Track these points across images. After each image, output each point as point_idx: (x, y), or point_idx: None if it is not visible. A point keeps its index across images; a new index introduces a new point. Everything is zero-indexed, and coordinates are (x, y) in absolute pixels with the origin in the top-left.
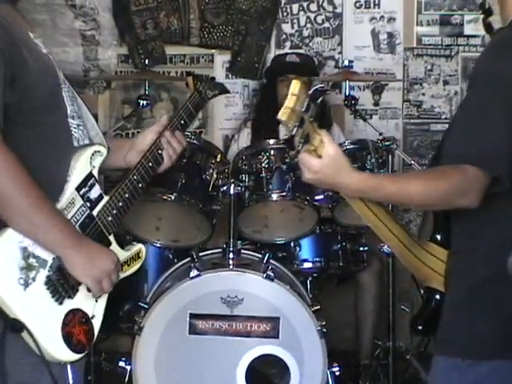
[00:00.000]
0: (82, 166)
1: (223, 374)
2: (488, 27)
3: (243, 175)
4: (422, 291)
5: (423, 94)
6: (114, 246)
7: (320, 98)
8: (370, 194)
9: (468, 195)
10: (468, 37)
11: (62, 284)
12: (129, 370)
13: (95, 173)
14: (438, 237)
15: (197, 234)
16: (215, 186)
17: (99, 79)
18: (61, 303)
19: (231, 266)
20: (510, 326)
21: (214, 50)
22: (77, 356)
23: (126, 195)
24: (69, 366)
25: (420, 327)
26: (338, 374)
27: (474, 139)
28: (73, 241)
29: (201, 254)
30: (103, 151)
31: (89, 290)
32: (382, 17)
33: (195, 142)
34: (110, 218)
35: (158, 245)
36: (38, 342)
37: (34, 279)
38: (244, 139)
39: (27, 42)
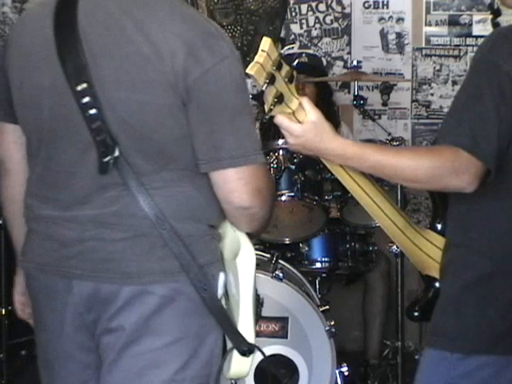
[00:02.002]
0: None
1: None
2: (496, 27)
3: None
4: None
5: (432, 95)
6: None
7: (296, 61)
8: (354, 161)
9: (460, 175)
10: (477, 37)
11: None
12: None
13: None
14: (439, 226)
15: None
16: None
17: None
18: None
19: None
20: (502, 322)
21: None
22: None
23: None
24: None
25: (416, 313)
26: (346, 374)
27: (468, 124)
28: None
29: None
30: None
31: None
32: (390, 17)
33: None
34: None
35: None
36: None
37: None
38: None
39: None
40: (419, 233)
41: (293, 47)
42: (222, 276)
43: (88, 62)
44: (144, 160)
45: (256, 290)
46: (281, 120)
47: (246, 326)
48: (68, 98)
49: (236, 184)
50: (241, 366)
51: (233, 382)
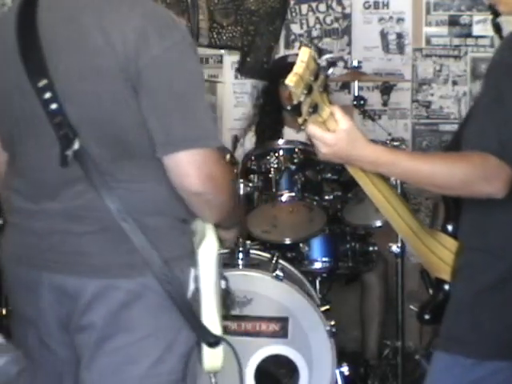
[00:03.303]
0: None
1: (232, 374)
2: (497, 28)
3: (252, 175)
4: (430, 291)
5: (432, 95)
6: None
7: (330, 69)
8: (386, 168)
9: (491, 182)
10: (477, 37)
11: None
12: None
13: None
14: (450, 227)
15: None
16: None
17: None
18: None
19: (240, 266)
20: None
21: (223, 51)
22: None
23: None
24: None
25: (427, 316)
26: (346, 373)
27: (494, 129)
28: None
29: None
30: None
31: None
32: (390, 17)
33: None
34: None
35: None
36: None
37: None
38: (248, 142)
39: None
40: (431, 235)
41: (331, 57)
42: (192, 270)
43: (47, 58)
44: (104, 151)
45: (225, 282)
46: (313, 130)
47: (209, 317)
48: (32, 95)
49: (187, 168)
50: (212, 358)
51: (211, 375)
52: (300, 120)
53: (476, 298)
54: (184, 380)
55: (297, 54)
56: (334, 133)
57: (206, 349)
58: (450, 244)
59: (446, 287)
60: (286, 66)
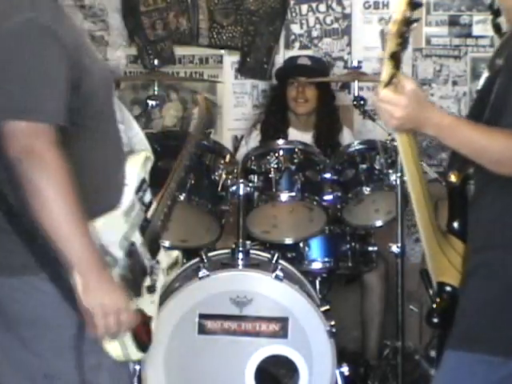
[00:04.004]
0: (138, 171)
1: (232, 374)
2: (497, 28)
3: (252, 175)
4: (430, 292)
5: (432, 95)
6: (161, 251)
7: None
8: (447, 131)
9: None
10: (477, 37)
11: (129, 283)
12: (138, 370)
13: (147, 178)
14: (455, 225)
15: (206, 234)
16: (224, 186)
17: None
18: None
19: (240, 267)
20: None
21: (222, 51)
22: (141, 355)
23: (169, 202)
24: (131, 366)
25: (435, 320)
26: (347, 374)
27: None
28: (98, 265)
29: (210, 255)
30: (152, 157)
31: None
32: (390, 17)
33: (204, 142)
34: (159, 223)
35: (166, 245)
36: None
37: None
38: (253, 141)
39: (86, 46)
40: (445, 237)
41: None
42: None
43: None
44: None
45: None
46: (387, 94)
47: None
48: None
49: (9, 139)
50: (110, 347)
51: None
52: (386, 76)
53: (501, 295)
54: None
55: (305, 56)
56: (403, 94)
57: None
58: (457, 246)
59: (448, 289)
60: (295, 66)
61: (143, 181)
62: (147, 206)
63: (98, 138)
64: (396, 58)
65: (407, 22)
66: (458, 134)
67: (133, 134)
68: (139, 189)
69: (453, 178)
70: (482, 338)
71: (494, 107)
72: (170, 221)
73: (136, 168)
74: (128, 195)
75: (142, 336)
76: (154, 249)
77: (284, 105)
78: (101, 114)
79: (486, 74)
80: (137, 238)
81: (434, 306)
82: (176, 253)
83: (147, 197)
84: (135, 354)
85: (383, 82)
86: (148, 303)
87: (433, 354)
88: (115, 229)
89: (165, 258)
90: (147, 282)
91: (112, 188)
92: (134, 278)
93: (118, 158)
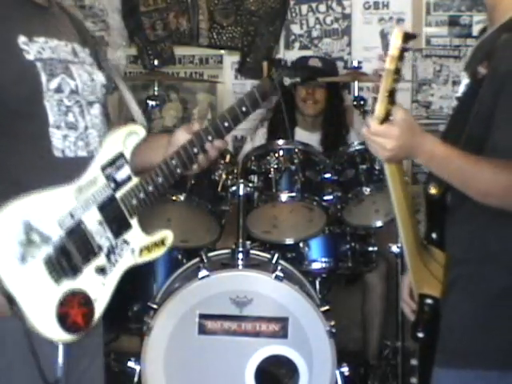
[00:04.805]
0: (111, 145)
1: (232, 374)
2: None
3: (252, 176)
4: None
5: (432, 95)
6: (135, 230)
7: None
8: (439, 161)
9: None
10: (477, 38)
11: (61, 263)
12: (138, 370)
13: (127, 153)
14: (434, 235)
15: (206, 234)
16: (224, 186)
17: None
18: (58, 283)
19: (240, 267)
20: None
21: (222, 51)
22: (69, 337)
23: (159, 180)
24: (60, 347)
25: (421, 334)
26: (347, 374)
27: None
28: None
29: (210, 255)
30: (140, 132)
31: (98, 271)
32: (390, 18)
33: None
34: (134, 202)
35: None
36: (26, 316)
37: (33, 256)
38: (259, 139)
39: (8, 46)
40: (426, 250)
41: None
42: None
43: None
44: None
45: None
46: (377, 127)
47: None
48: None
49: None
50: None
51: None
52: (383, 112)
53: (485, 309)
54: None
55: (316, 57)
56: (394, 125)
57: None
58: (438, 256)
59: (429, 301)
60: (306, 67)
61: (119, 156)
62: (119, 183)
63: (8, 142)
64: (393, 94)
65: (402, 56)
66: (450, 164)
67: (93, 139)
68: (109, 164)
69: (432, 190)
70: (475, 352)
71: (479, 116)
72: (155, 199)
73: (109, 141)
74: (91, 171)
75: (76, 318)
76: (119, 228)
77: (292, 105)
78: (14, 117)
79: (466, 81)
80: (91, 216)
81: (416, 319)
82: (165, 233)
83: (122, 173)
84: (57, 333)
85: (379, 119)
86: (95, 284)
87: (414, 362)
88: (57, 205)
89: (140, 238)
90: (98, 262)
91: (28, 191)
92: (70, 258)
93: (32, 163)
